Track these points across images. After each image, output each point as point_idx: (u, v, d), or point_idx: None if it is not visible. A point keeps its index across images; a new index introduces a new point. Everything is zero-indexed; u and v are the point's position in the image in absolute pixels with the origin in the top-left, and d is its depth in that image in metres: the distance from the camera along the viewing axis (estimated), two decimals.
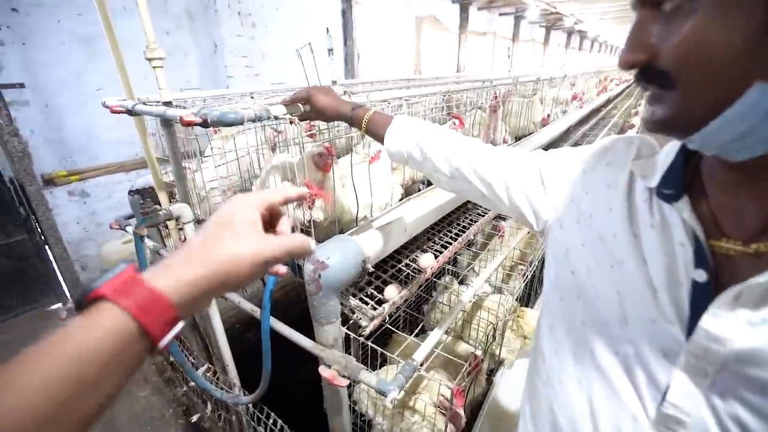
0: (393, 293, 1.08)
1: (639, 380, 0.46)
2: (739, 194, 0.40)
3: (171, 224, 1.36)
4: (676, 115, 0.37)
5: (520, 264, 1.97)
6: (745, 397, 0.37)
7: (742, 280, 0.37)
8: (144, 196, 0.99)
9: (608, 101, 5.04)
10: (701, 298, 0.40)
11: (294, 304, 2.45)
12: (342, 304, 0.97)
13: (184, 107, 1.09)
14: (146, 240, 1.44)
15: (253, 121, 0.86)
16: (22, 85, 2.63)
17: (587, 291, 0.51)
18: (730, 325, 0.38)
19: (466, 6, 7.27)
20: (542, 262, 1.57)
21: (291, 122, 0.95)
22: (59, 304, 3.21)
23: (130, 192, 1.03)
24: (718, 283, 0.40)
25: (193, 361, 1.42)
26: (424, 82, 2.83)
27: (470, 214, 1.68)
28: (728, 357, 0.38)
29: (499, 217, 1.97)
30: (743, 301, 0.37)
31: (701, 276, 0.40)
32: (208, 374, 1.37)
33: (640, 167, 0.48)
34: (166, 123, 1.06)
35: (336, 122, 1.29)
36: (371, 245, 0.99)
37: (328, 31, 1.57)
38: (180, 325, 0.34)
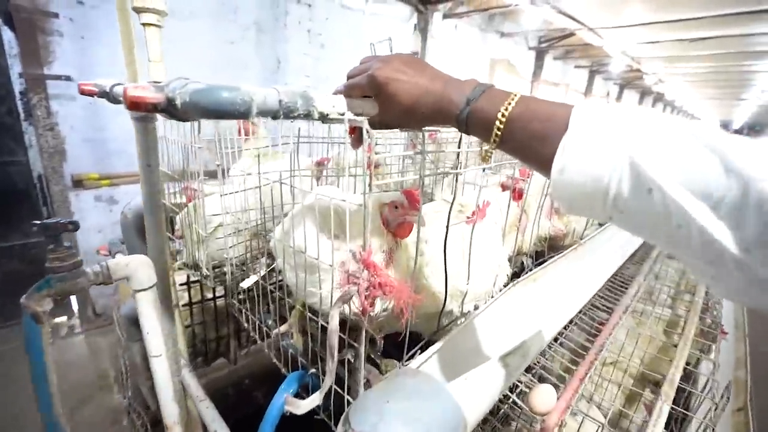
0: None
1: None
2: None
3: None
4: None
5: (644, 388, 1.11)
6: None
7: None
8: (56, 234, 0.55)
9: None
10: None
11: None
12: None
13: None
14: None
15: (274, 117, 0.40)
16: (68, 78, 2.45)
17: None
18: None
19: (542, 54, 6.99)
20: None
21: (352, 130, 0.47)
22: (64, 317, 2.90)
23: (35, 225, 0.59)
24: None
25: None
26: None
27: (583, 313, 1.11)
28: None
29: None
30: None
31: None
32: None
33: None
34: (142, 116, 0.63)
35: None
36: (476, 401, 0.46)
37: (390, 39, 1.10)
38: None
